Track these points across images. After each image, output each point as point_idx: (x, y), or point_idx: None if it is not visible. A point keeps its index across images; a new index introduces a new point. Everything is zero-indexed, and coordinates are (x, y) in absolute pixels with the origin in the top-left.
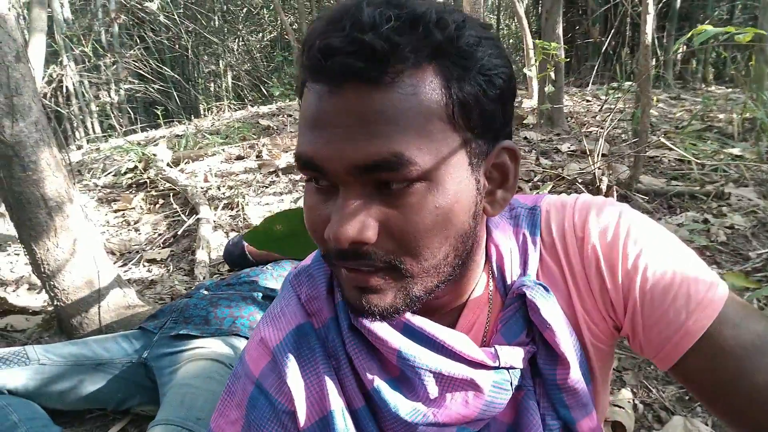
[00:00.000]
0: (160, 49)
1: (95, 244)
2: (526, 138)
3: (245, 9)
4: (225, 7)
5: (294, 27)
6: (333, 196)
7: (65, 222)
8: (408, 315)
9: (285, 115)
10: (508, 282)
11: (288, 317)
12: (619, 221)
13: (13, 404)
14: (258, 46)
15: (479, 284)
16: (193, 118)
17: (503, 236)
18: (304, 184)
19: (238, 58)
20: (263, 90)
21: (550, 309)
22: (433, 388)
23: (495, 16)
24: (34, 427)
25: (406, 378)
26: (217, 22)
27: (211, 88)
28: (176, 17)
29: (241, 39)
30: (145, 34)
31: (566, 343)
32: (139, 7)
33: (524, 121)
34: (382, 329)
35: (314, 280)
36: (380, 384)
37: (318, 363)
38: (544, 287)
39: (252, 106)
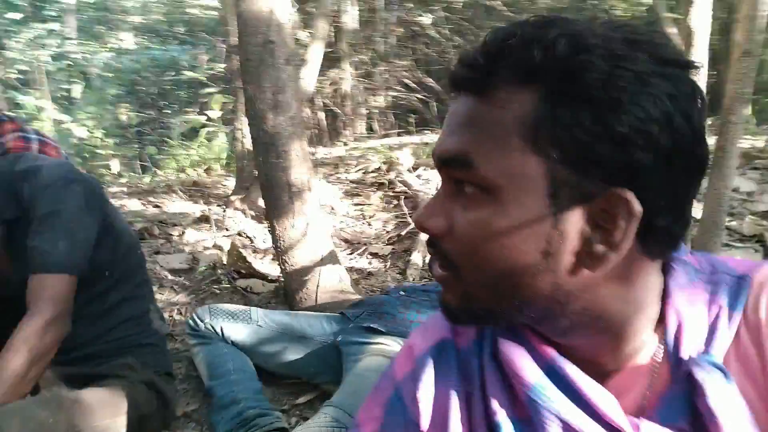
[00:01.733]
0: (428, 61)
1: (324, 230)
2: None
3: None
4: (494, 25)
5: None
6: None
7: (303, 207)
8: (556, 356)
9: None
10: (683, 356)
11: (436, 330)
12: None
13: (232, 354)
14: None
15: (644, 350)
16: None
17: (688, 302)
18: None
19: None
20: None
21: (724, 399)
22: None
23: None
24: (242, 378)
25: (531, 423)
26: None
27: None
28: (447, 32)
29: None
30: (416, 46)
31: None
32: (414, 21)
33: None
34: (522, 361)
35: None
36: (504, 420)
37: (451, 383)
38: (724, 372)
39: None
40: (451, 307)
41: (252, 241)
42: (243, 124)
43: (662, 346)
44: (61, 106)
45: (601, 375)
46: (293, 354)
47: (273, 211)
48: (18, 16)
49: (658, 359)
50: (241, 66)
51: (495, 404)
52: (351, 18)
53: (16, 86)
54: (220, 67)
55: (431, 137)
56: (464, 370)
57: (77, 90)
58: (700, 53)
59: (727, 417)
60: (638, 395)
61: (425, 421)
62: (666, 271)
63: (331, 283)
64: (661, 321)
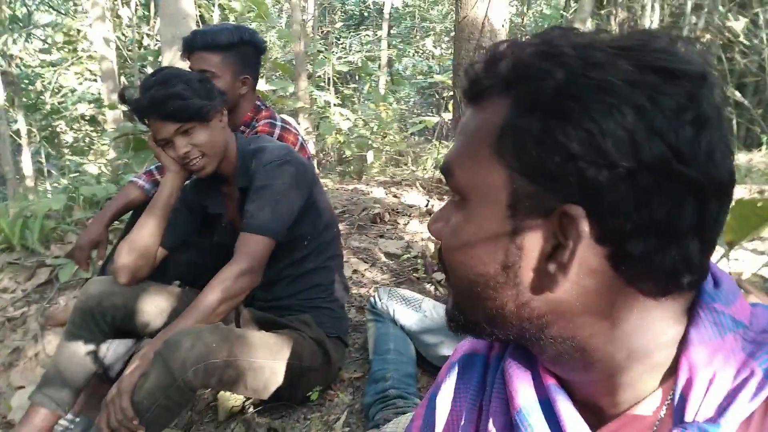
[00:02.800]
0: (742, 73)
1: None
2: None
3: None
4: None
5: None
6: None
7: None
8: (554, 387)
9: None
10: (687, 418)
11: (473, 340)
12: None
13: (397, 336)
14: None
15: (648, 401)
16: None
17: (708, 357)
18: None
19: None
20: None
21: None
22: None
23: None
24: (398, 360)
25: None
26: None
27: None
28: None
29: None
30: (730, 55)
31: None
32: (724, 27)
33: None
34: (521, 383)
35: None
36: None
37: (469, 393)
38: None
39: None
40: (450, 311)
41: None
42: None
43: (669, 401)
44: (350, 101)
45: (600, 418)
46: (448, 349)
47: None
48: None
49: (661, 414)
50: (453, 70)
51: (491, 421)
52: (650, 21)
53: (317, 83)
54: None
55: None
56: (483, 383)
57: (367, 89)
58: None
59: None
60: None
61: (440, 425)
62: (691, 317)
63: None
64: (674, 372)
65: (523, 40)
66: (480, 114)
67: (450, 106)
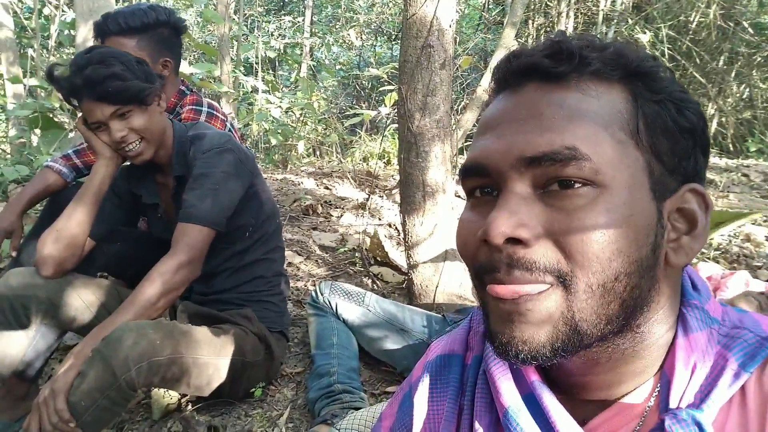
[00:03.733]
0: None
1: (452, 234)
2: None
3: (766, 54)
4: (737, 50)
5: None
6: (490, 209)
7: (434, 207)
8: (537, 383)
9: (740, 174)
10: (671, 404)
11: (448, 341)
12: None
13: (340, 330)
14: (765, 97)
15: (639, 389)
16: None
17: (692, 346)
18: None
19: (736, 105)
20: (743, 143)
21: None
22: None
23: None
24: (342, 354)
25: None
26: (720, 64)
27: None
28: (670, 53)
29: (747, 85)
30: None
31: None
32: (634, 38)
33: None
34: (504, 383)
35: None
36: None
37: (447, 395)
38: (701, 430)
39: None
40: (550, 344)
41: (398, 233)
42: None
43: (658, 390)
44: (276, 89)
45: (584, 410)
46: (392, 344)
47: (406, 207)
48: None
49: (650, 403)
50: (399, 67)
51: (477, 422)
52: (565, 29)
53: (247, 67)
54: None
55: None
56: (463, 384)
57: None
58: None
59: None
60: None
61: (417, 425)
62: (678, 314)
63: (450, 285)
64: (663, 362)
65: (594, 38)
66: (587, 95)
67: (387, 101)
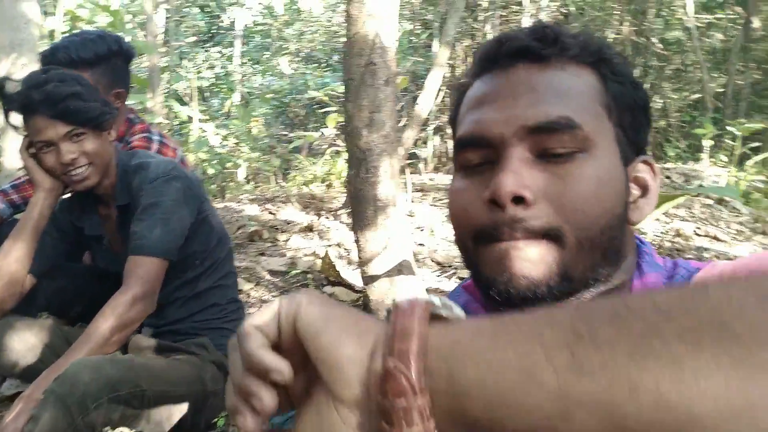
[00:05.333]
0: None
1: (405, 246)
2: None
3: (674, 67)
4: (650, 64)
5: (721, 91)
6: (488, 176)
7: (386, 221)
8: None
9: (664, 176)
10: None
11: None
12: None
13: None
14: (677, 106)
15: None
16: None
17: (646, 285)
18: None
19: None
20: (661, 150)
21: None
22: None
23: None
24: None
25: None
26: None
27: None
28: None
29: (660, 96)
30: None
31: None
32: None
33: None
34: None
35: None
36: None
37: None
38: None
39: None
40: (545, 281)
41: (348, 253)
42: None
43: None
44: (211, 118)
45: None
46: None
47: (358, 223)
48: (193, 39)
49: None
50: (345, 85)
51: None
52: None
53: (180, 98)
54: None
55: None
56: None
57: (228, 106)
58: None
59: None
60: None
61: None
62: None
63: (407, 297)
64: None
65: (566, 27)
66: (569, 75)
67: (330, 122)
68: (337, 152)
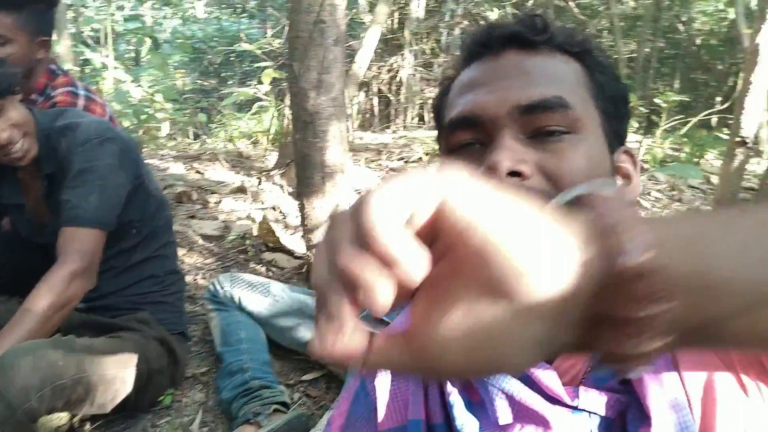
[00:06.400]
0: None
1: None
2: None
3: (589, 32)
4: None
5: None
6: (478, 157)
7: (333, 188)
8: None
9: None
10: None
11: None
12: None
13: (246, 324)
14: None
15: None
16: None
17: None
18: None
19: None
20: None
21: None
22: (504, 413)
23: None
24: (252, 348)
25: (482, 404)
26: None
27: None
28: None
29: None
30: None
31: (659, 402)
32: (480, 15)
33: None
34: None
35: None
36: (456, 399)
37: None
38: None
39: None
40: None
41: (285, 217)
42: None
43: None
44: (126, 66)
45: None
46: (306, 332)
47: (304, 189)
48: None
49: None
50: (289, 43)
51: (447, 386)
52: (417, 6)
53: (86, 43)
54: (279, 42)
55: None
56: None
57: (143, 52)
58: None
59: (653, 376)
60: (584, 366)
61: (381, 406)
62: None
63: None
64: None
65: (550, 18)
66: (558, 60)
67: (265, 78)
68: (262, 107)
